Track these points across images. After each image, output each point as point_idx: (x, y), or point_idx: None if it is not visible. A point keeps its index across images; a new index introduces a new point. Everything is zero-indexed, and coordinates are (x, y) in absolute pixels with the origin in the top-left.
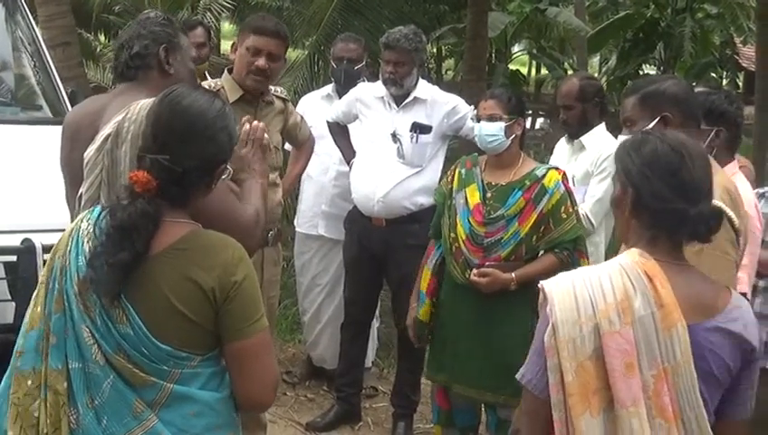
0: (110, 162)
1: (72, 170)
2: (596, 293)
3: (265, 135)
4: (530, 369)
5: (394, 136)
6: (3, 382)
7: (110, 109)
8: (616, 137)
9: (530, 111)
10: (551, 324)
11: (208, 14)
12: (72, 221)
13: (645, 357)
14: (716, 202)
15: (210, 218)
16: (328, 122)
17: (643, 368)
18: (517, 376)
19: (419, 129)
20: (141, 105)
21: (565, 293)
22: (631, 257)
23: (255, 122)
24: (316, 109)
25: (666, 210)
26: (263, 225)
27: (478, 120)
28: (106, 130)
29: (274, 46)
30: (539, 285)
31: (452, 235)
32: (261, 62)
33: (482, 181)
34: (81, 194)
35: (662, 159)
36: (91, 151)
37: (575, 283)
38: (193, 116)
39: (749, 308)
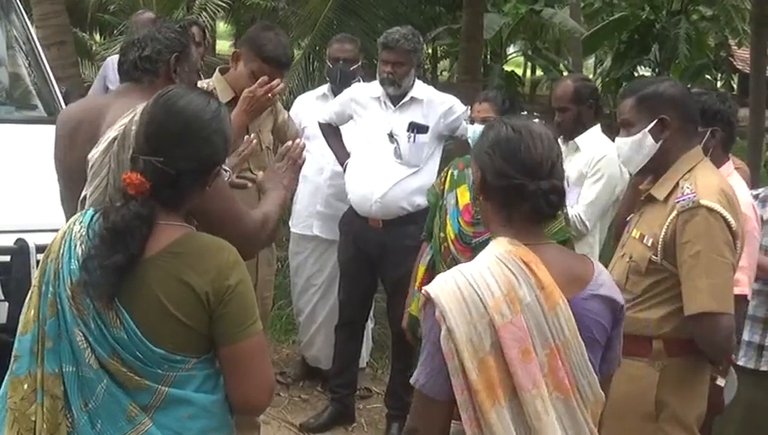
0: (117, 165)
1: (69, 168)
2: (483, 290)
3: (304, 154)
4: (423, 372)
5: (391, 136)
6: (2, 388)
7: (114, 109)
8: (611, 139)
9: (525, 112)
10: (445, 329)
11: (204, 13)
12: (65, 220)
13: (537, 340)
14: (713, 205)
15: (213, 220)
16: (320, 123)
17: (537, 350)
18: (412, 381)
19: (416, 129)
20: None
21: (453, 295)
22: (503, 247)
23: (297, 141)
24: (311, 109)
25: (506, 187)
26: (271, 229)
27: (472, 123)
28: (112, 132)
29: (279, 75)
30: (422, 291)
31: (441, 234)
32: None
33: (473, 182)
34: (86, 196)
35: (502, 139)
36: (96, 154)
37: (459, 284)
38: (188, 117)
39: (605, 270)
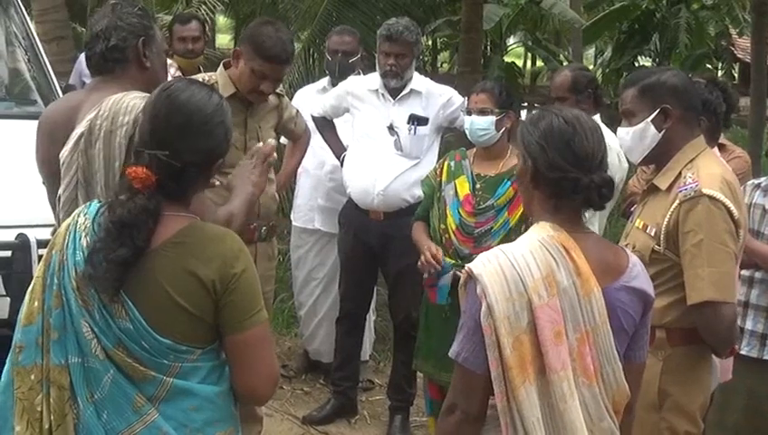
0: (86, 161)
1: (51, 169)
2: (523, 270)
3: (274, 155)
4: (465, 347)
5: (391, 128)
6: (3, 378)
7: (86, 106)
8: (612, 129)
9: (525, 104)
10: (485, 305)
11: (203, 7)
12: (55, 220)
13: (570, 324)
14: (715, 194)
15: None
16: (314, 117)
17: (569, 334)
18: (451, 354)
19: (417, 121)
20: (113, 100)
21: (494, 274)
22: (546, 232)
23: (270, 141)
24: (312, 102)
25: (561, 179)
26: (237, 227)
27: (469, 113)
28: (79, 128)
29: (281, 72)
30: (465, 268)
31: (442, 226)
32: (265, 86)
33: (471, 173)
34: (60, 195)
35: (556, 131)
36: (65, 151)
37: (501, 263)
38: (191, 111)
39: (640, 261)
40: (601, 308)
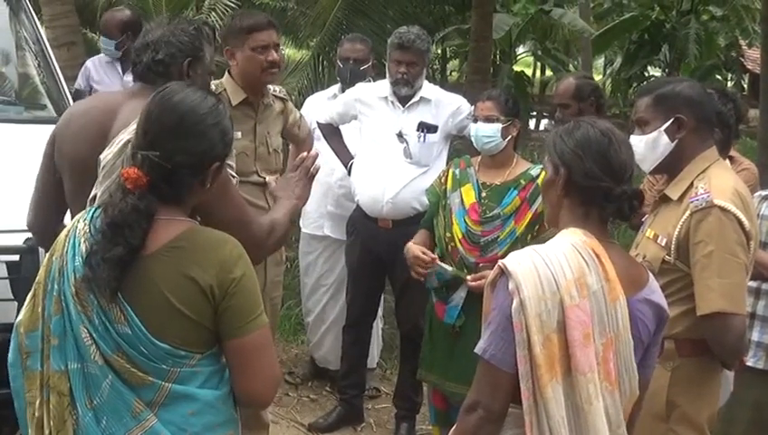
0: None
1: (78, 163)
2: (556, 270)
3: (317, 164)
4: (494, 344)
5: (400, 136)
6: (15, 383)
7: (126, 109)
8: None
9: (534, 113)
10: (517, 301)
11: (213, 13)
12: (70, 217)
13: (597, 327)
14: (727, 205)
15: (220, 225)
16: (320, 124)
17: (596, 337)
18: (477, 351)
19: (426, 128)
20: None
21: (528, 271)
22: (578, 236)
23: (313, 152)
24: (322, 109)
25: (595, 188)
26: (279, 236)
27: (475, 121)
28: (125, 135)
29: (276, 36)
30: (498, 263)
31: (447, 234)
32: (274, 55)
33: (477, 181)
34: (95, 196)
35: (593, 142)
36: (108, 156)
37: (535, 261)
38: (183, 112)
39: (655, 279)
40: (625, 316)
